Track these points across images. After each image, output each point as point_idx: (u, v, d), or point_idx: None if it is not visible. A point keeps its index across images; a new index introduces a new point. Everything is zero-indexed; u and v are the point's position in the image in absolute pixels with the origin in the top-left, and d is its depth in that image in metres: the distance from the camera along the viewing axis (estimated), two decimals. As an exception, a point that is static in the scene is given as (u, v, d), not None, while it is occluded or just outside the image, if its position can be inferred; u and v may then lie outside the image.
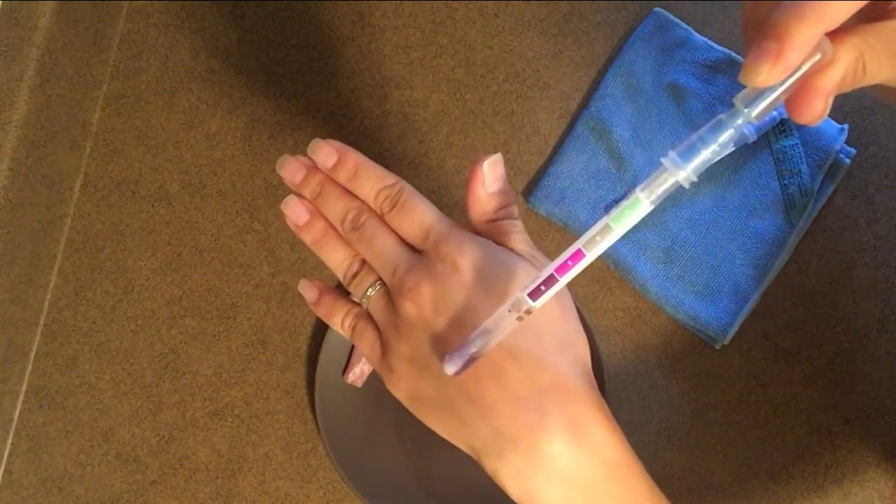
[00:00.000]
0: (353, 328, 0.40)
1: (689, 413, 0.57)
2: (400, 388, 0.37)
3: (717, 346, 0.57)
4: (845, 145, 0.58)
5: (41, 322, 0.60)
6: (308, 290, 0.42)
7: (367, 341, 0.39)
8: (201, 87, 0.61)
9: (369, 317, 0.39)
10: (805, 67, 0.29)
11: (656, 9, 0.60)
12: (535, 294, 0.32)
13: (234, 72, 0.62)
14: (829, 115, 0.59)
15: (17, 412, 0.59)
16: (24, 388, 0.59)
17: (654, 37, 0.60)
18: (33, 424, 0.59)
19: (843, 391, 0.57)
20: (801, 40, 0.28)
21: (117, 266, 0.60)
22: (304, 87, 0.61)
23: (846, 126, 0.58)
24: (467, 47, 0.61)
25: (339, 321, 0.40)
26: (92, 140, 0.61)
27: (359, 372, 0.58)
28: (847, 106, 0.59)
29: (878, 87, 0.34)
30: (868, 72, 0.31)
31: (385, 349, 0.38)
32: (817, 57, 0.29)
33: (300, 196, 0.40)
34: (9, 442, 0.58)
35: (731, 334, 0.56)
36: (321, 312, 0.41)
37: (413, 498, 0.56)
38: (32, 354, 0.59)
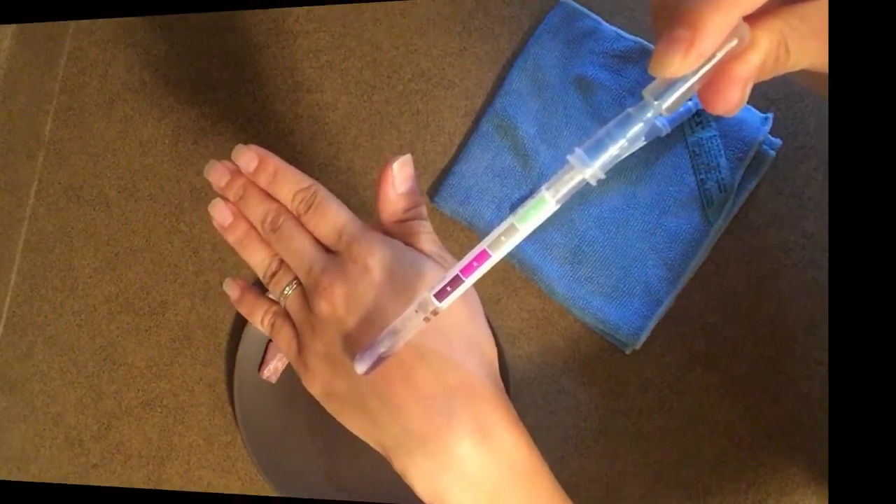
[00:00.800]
0: (272, 325, 0.41)
1: (598, 420, 0.54)
2: (315, 385, 0.38)
3: (628, 352, 0.54)
4: (770, 136, 0.53)
5: (4, 315, 0.66)
6: (231, 289, 0.44)
7: (284, 338, 0.40)
8: (135, 97, 0.65)
9: (287, 315, 0.40)
10: (720, 55, 0.26)
11: (565, -1, 0.58)
12: (441, 295, 0.32)
13: (162, 82, 0.65)
14: (753, 104, 0.55)
15: (-18, 397, 0.65)
16: (-12, 375, 0.65)
17: (561, 28, 0.57)
18: (-5, 408, 0.65)
19: (767, 403, 0.52)
20: (716, 27, 0.25)
21: (65, 265, 0.65)
22: (223, 95, 0.64)
23: (771, 115, 0.53)
24: (374, 48, 0.61)
25: (259, 318, 0.42)
26: (45, 150, 0.67)
27: (273, 368, 0.59)
28: (772, 93, 0.54)
29: (803, 73, 0.31)
30: (791, 56, 0.28)
31: (301, 346, 0.39)
32: (733, 43, 0.26)
33: (225, 199, 0.42)
34: (-26, 423, 0.65)
35: (642, 339, 0.53)
36: (243, 310, 0.43)
37: (324, 491, 0.57)
38: (-4, 345, 0.66)
